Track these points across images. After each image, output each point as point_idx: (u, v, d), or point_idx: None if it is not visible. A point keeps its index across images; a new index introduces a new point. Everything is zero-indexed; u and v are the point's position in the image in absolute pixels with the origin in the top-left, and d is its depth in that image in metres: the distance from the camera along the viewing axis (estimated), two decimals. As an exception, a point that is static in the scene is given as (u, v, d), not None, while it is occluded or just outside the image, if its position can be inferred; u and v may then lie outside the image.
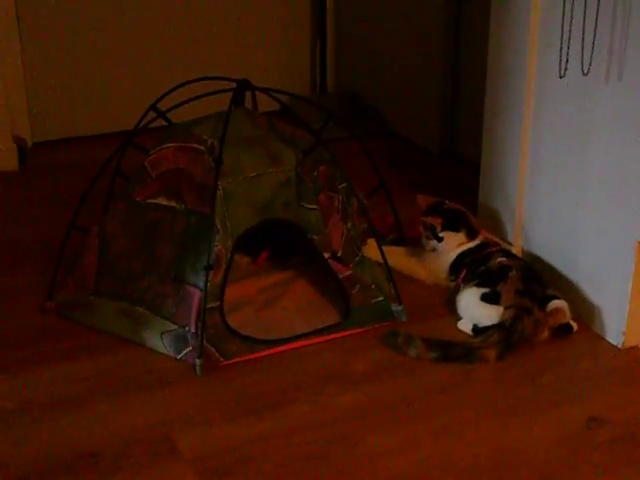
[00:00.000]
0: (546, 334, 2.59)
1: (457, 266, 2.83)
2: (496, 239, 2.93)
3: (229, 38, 4.38)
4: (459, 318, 2.69)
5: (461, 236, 2.85)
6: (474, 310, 2.64)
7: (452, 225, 2.85)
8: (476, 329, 2.62)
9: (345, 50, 4.62)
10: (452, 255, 2.85)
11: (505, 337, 2.51)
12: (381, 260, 2.72)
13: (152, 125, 2.73)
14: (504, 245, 2.91)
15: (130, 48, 4.21)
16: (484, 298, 2.62)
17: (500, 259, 2.75)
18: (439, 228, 2.85)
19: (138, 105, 2.80)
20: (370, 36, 4.40)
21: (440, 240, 2.86)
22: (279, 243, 2.99)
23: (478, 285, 2.68)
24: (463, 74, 3.94)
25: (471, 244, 2.85)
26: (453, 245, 2.85)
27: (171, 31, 4.27)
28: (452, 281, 2.85)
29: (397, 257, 2.87)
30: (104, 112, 4.20)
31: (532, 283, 2.64)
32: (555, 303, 2.62)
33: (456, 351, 2.52)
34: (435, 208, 2.90)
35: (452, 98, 4.01)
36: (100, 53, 4.17)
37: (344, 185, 2.82)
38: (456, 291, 2.78)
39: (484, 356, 2.50)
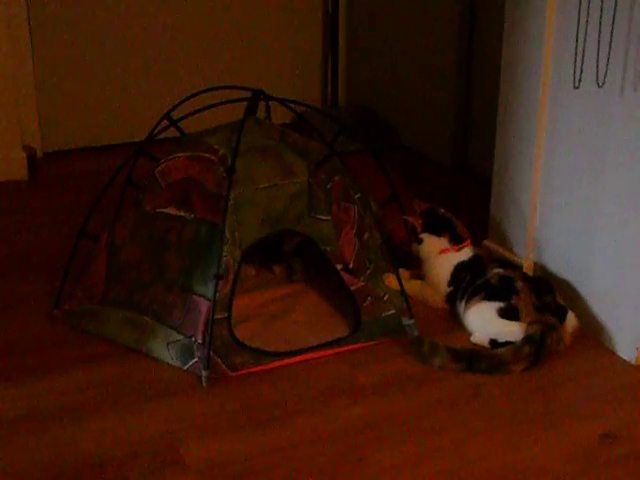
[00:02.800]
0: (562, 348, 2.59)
1: (455, 280, 2.81)
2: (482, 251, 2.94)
3: (240, 51, 4.38)
4: (469, 332, 2.67)
5: (443, 241, 2.84)
6: (493, 326, 2.60)
7: (433, 228, 2.85)
8: (495, 343, 2.59)
9: (357, 64, 4.61)
10: (447, 267, 2.82)
11: (535, 352, 2.49)
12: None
13: (164, 136, 2.72)
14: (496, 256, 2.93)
15: (142, 59, 4.21)
16: (503, 314, 2.60)
17: (496, 270, 2.73)
18: (419, 229, 2.86)
19: (149, 116, 2.80)
20: (382, 50, 4.39)
21: (420, 242, 2.85)
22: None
23: (487, 299, 2.65)
24: (476, 88, 3.92)
25: (464, 256, 2.82)
26: (435, 250, 2.84)
27: (183, 44, 4.26)
28: (452, 291, 2.81)
29: (412, 282, 2.87)
30: (115, 123, 4.20)
31: (543, 295, 2.62)
32: (572, 321, 2.61)
33: (482, 364, 2.50)
34: (425, 213, 2.90)
35: (465, 112, 3.99)
36: (112, 64, 4.17)
37: (359, 195, 2.80)
38: (453, 306, 2.78)
39: (512, 369, 2.49)
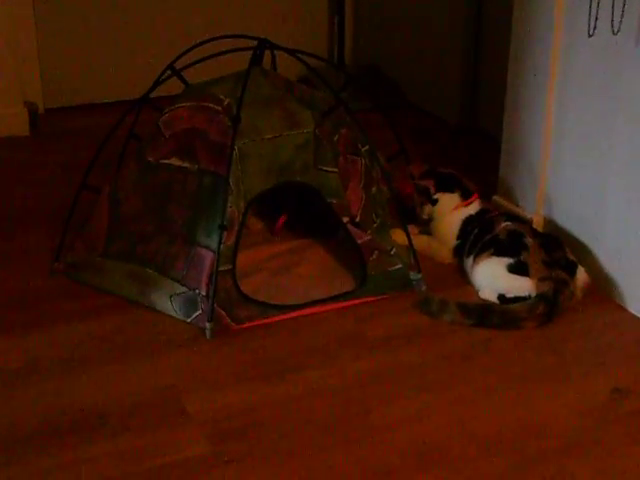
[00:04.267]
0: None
1: (464, 233, 2.78)
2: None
3: (245, 7, 4.30)
4: (477, 288, 2.63)
5: (456, 197, 2.82)
6: (502, 281, 2.57)
7: (445, 186, 2.84)
8: (503, 299, 2.55)
9: (363, 22, 4.53)
10: (456, 222, 2.80)
11: (549, 311, 2.46)
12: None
13: (169, 93, 2.68)
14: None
15: (145, 13, 4.14)
16: (512, 269, 2.56)
17: (504, 224, 2.70)
18: (432, 190, 2.83)
19: (153, 72, 2.74)
20: (388, 7, 4.31)
21: (434, 203, 2.83)
22: (296, 209, 2.92)
23: (496, 255, 2.60)
24: (484, 45, 3.84)
25: (471, 210, 2.80)
26: (449, 208, 2.82)
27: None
28: (460, 245, 2.77)
29: (419, 237, 2.83)
30: (118, 79, 4.13)
31: (553, 251, 2.58)
32: (583, 275, 2.57)
33: (494, 319, 2.47)
34: (428, 173, 2.88)
35: (473, 71, 3.92)
36: (114, 19, 4.10)
37: (366, 148, 2.75)
38: (460, 260, 2.75)
39: (524, 326, 2.46)
